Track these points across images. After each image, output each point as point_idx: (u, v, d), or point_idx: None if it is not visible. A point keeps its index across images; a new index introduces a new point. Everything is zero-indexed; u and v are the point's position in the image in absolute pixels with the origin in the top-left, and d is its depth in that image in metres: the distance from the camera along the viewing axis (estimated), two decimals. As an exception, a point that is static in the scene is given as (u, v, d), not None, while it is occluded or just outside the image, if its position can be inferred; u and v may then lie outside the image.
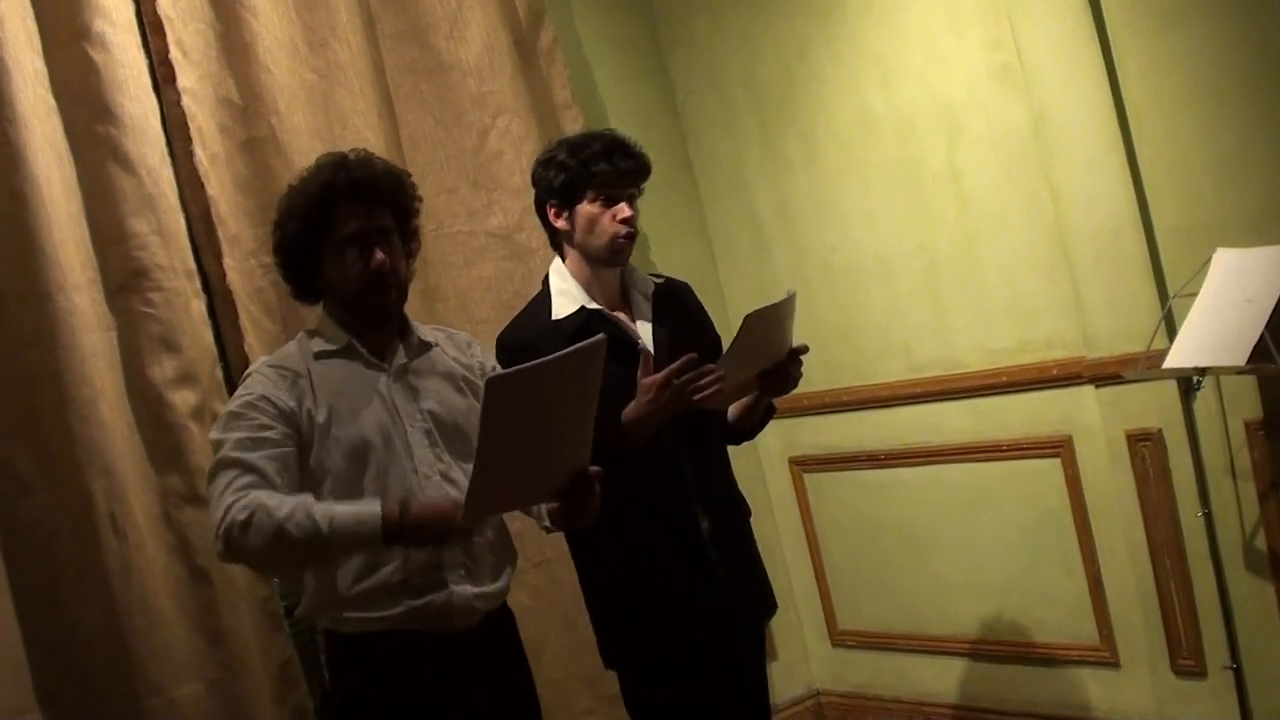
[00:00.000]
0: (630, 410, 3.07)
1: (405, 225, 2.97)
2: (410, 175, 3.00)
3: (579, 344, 2.53)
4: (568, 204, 3.26)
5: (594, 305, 3.25)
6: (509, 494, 2.68)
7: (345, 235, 2.83)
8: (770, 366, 3.19)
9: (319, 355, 2.89)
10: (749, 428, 3.43)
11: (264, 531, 2.58)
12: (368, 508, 2.60)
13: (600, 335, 2.56)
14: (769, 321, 3.08)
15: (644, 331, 3.31)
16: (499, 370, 3.08)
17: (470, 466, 2.90)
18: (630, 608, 3.29)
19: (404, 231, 2.96)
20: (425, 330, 3.06)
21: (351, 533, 2.58)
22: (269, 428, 2.74)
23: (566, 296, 3.28)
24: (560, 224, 3.29)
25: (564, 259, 3.34)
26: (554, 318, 3.26)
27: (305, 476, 2.78)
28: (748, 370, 3.15)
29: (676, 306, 3.44)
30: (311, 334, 2.96)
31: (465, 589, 2.85)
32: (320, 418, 2.80)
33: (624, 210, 3.24)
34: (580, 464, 2.66)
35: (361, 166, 2.86)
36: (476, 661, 2.90)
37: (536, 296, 3.38)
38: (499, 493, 2.59)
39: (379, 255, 2.84)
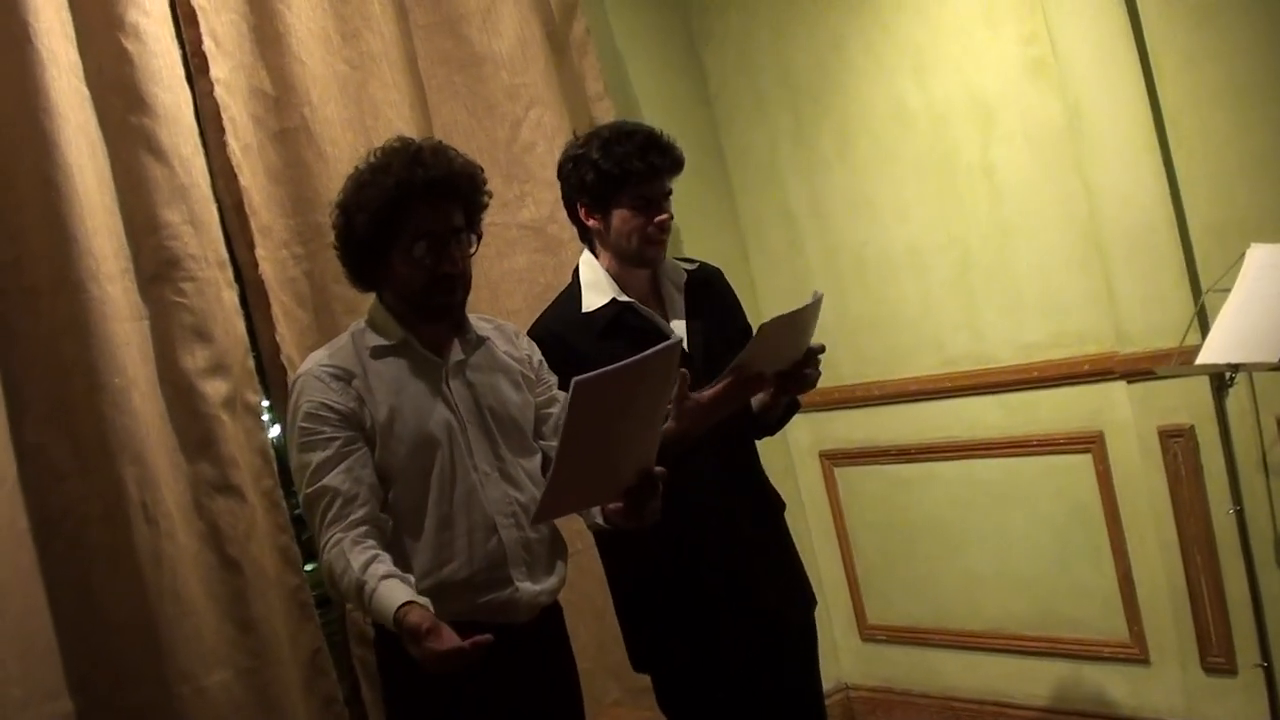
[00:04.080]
0: (671, 428, 2.95)
1: (474, 220, 2.93)
2: (482, 169, 2.94)
3: (658, 346, 2.50)
4: (601, 204, 3.20)
5: (625, 298, 3.21)
6: (581, 494, 2.67)
7: (418, 233, 2.79)
8: (788, 368, 3.08)
9: (374, 352, 2.86)
10: (772, 421, 3.33)
11: (336, 589, 2.69)
12: (390, 601, 2.56)
13: (678, 336, 2.54)
14: (787, 328, 2.99)
15: (677, 323, 3.27)
16: (544, 362, 3.10)
17: (526, 461, 2.92)
18: (666, 610, 3.26)
19: (471, 225, 2.92)
20: (477, 323, 3.03)
21: (385, 623, 2.58)
22: (335, 438, 2.75)
23: (597, 289, 3.23)
24: (592, 223, 3.23)
25: (594, 253, 3.29)
26: (584, 310, 3.22)
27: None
28: (765, 369, 3.07)
29: (709, 296, 3.39)
30: (365, 328, 2.93)
31: (529, 585, 2.87)
32: (381, 417, 2.79)
33: (661, 213, 3.19)
34: (647, 463, 2.64)
35: (438, 164, 2.80)
36: (530, 653, 2.91)
37: (566, 290, 3.33)
38: (572, 493, 2.59)
39: (451, 258, 2.82)
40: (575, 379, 2.35)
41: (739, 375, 2.96)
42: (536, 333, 3.26)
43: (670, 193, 3.25)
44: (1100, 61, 3.82)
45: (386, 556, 2.66)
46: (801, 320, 3.03)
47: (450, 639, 2.44)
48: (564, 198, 3.30)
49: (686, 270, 3.37)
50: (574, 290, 3.29)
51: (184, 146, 3.55)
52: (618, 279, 3.24)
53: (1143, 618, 4.18)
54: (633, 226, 3.18)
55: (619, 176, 3.14)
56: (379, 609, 2.56)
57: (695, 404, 2.97)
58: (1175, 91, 3.74)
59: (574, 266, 3.35)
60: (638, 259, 3.23)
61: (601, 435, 2.49)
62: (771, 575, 3.32)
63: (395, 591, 2.56)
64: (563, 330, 3.21)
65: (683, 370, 2.92)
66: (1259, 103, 3.60)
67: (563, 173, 3.28)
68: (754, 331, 3.03)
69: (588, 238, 3.31)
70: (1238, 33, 3.60)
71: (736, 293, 3.52)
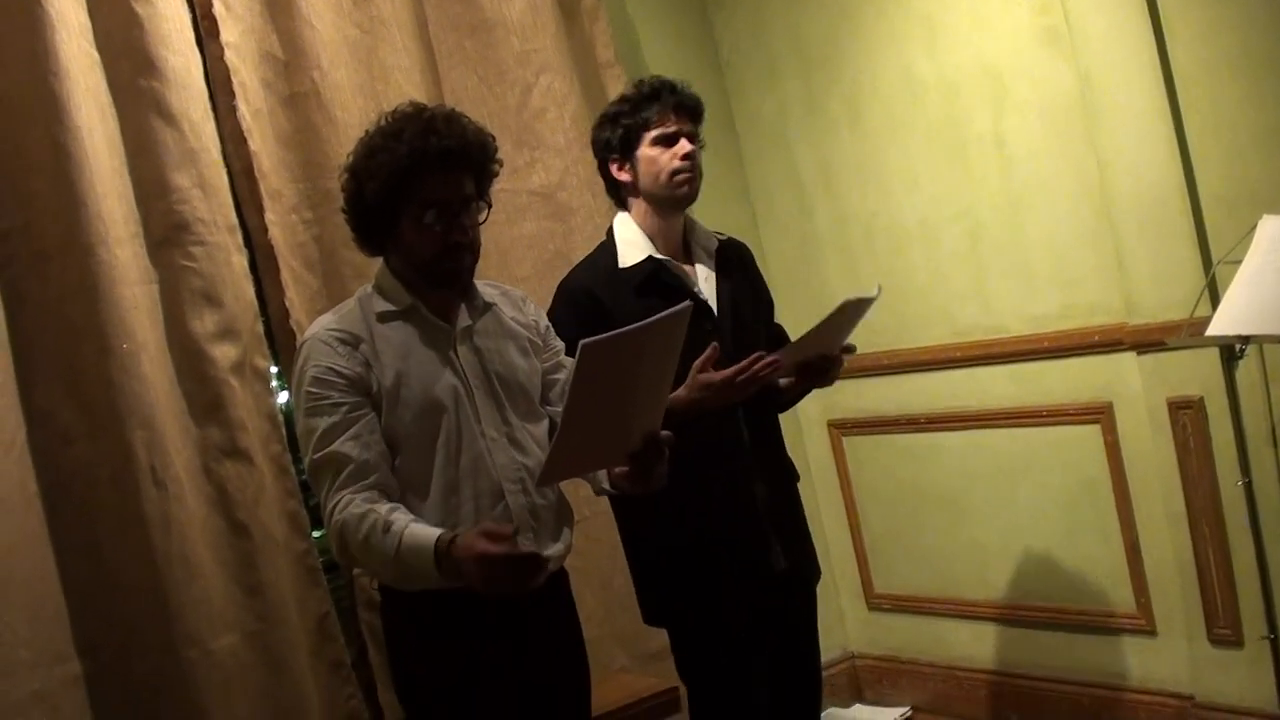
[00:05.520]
0: (681, 395, 3.05)
1: (485, 188, 2.93)
2: (494, 137, 2.94)
3: (667, 311, 2.50)
4: (627, 154, 3.32)
5: (660, 255, 3.29)
6: (587, 457, 2.68)
7: (429, 200, 2.78)
8: (814, 359, 3.21)
9: (382, 317, 2.86)
10: (789, 399, 3.47)
11: (355, 550, 2.65)
12: (425, 537, 2.55)
13: (687, 302, 2.54)
14: (852, 314, 3.14)
15: (707, 284, 3.35)
16: (550, 328, 3.10)
17: (534, 427, 2.92)
18: (682, 568, 3.32)
19: (481, 193, 2.91)
20: (484, 289, 3.03)
21: (415, 563, 2.55)
22: (342, 404, 2.74)
23: (632, 245, 3.32)
24: (623, 176, 3.34)
25: (629, 211, 3.38)
26: (620, 265, 3.29)
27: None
28: (805, 355, 3.18)
29: (738, 265, 3.49)
30: (372, 293, 2.92)
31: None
32: (388, 382, 2.78)
33: (684, 147, 3.29)
34: (653, 427, 2.65)
35: (452, 133, 2.79)
36: (537, 618, 2.92)
37: (601, 245, 3.42)
38: (578, 455, 2.58)
39: (461, 226, 2.82)
40: (581, 341, 2.37)
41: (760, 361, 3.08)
42: (570, 287, 3.34)
43: (694, 135, 3.36)
44: (1113, 32, 3.79)
45: (405, 509, 2.68)
46: (861, 310, 3.18)
47: (504, 544, 2.44)
48: (599, 166, 3.43)
49: (718, 239, 3.47)
50: (609, 246, 3.37)
51: (194, 110, 3.55)
52: (652, 235, 3.34)
53: (1150, 589, 4.18)
54: (659, 165, 3.29)
55: (640, 124, 3.29)
56: (411, 543, 2.55)
57: (709, 380, 3.05)
58: (1188, 62, 3.72)
59: (582, 233, 3.38)
60: (669, 195, 3.32)
61: (607, 398, 2.49)
62: (785, 542, 3.38)
63: (428, 529, 2.57)
64: (596, 286, 3.28)
65: (713, 344, 3.06)
66: (1272, 73, 3.58)
67: (595, 145, 3.42)
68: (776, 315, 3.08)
69: (620, 196, 3.41)
70: (1251, 3, 3.58)
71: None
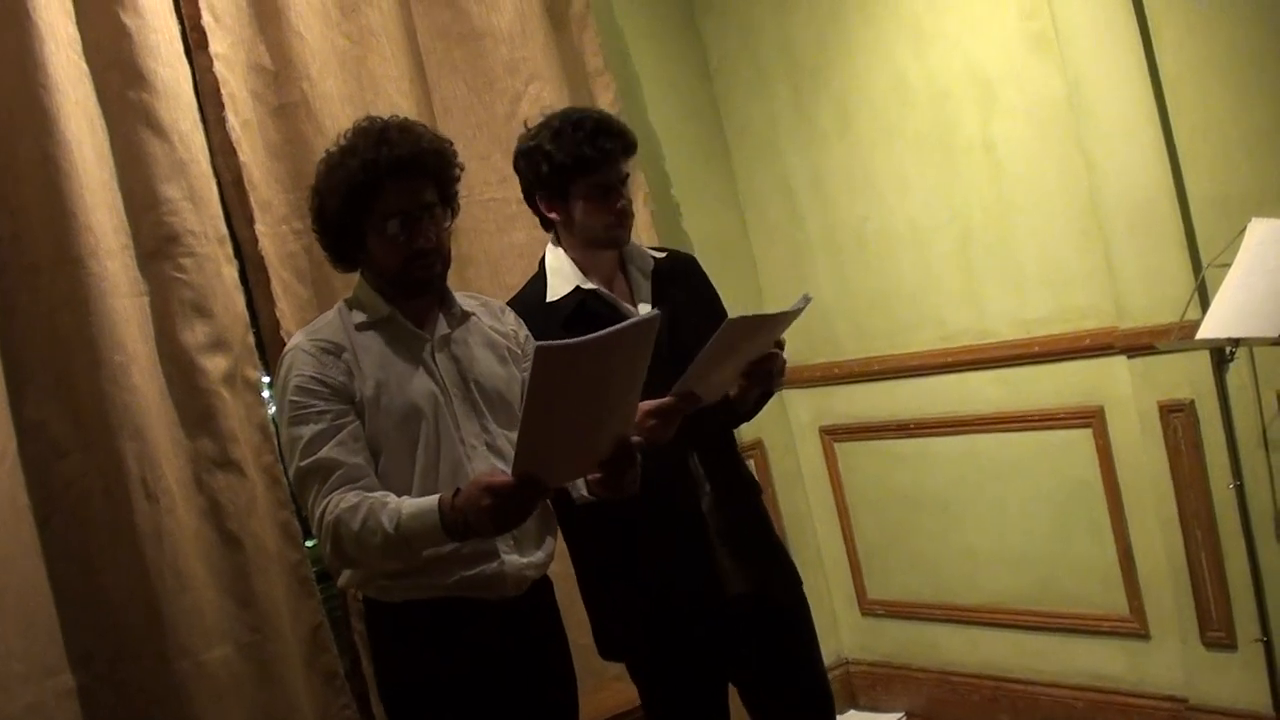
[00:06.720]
0: None
1: (447, 194, 2.93)
2: (452, 143, 2.94)
3: (631, 320, 2.47)
4: (559, 195, 3.16)
5: (589, 285, 3.17)
6: (556, 467, 2.62)
7: (389, 211, 2.78)
8: (747, 369, 3.05)
9: (360, 327, 2.87)
10: (744, 411, 3.30)
11: (350, 544, 2.65)
12: (427, 500, 2.59)
13: (656, 311, 2.50)
14: (757, 329, 2.98)
15: (643, 312, 3.19)
16: (530, 338, 3.07)
17: (514, 434, 2.88)
18: (630, 598, 3.24)
19: (445, 199, 2.91)
20: (463, 299, 3.02)
21: (419, 529, 2.57)
22: (327, 411, 2.74)
23: (561, 277, 3.20)
24: (553, 215, 3.20)
25: (558, 241, 3.26)
26: (548, 299, 3.19)
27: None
28: (730, 368, 3.03)
29: (679, 284, 3.34)
30: (350, 304, 2.93)
31: (515, 558, 2.86)
32: (368, 391, 2.79)
33: (617, 200, 3.14)
34: (624, 434, 2.63)
35: (405, 141, 2.80)
36: (521, 628, 2.91)
37: (532, 278, 3.30)
38: (546, 466, 2.55)
39: (425, 233, 2.81)
40: (537, 344, 2.34)
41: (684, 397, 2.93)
42: None
43: (627, 176, 3.20)
44: (1101, 35, 3.80)
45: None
46: (774, 323, 3.01)
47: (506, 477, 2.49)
48: (523, 191, 3.27)
49: (655, 258, 3.33)
50: (539, 279, 3.26)
51: (183, 122, 3.56)
52: (582, 266, 3.21)
53: (1142, 592, 4.18)
54: (592, 218, 3.15)
55: (572, 166, 3.10)
56: (413, 509, 2.58)
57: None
58: (1176, 65, 3.73)
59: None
60: (605, 242, 3.19)
61: (571, 406, 2.44)
62: (744, 562, 3.26)
63: (427, 497, 2.61)
64: (526, 318, 3.16)
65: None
66: (1260, 76, 3.58)
67: (518, 167, 3.24)
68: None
69: (551, 228, 3.28)
70: (1239, 6, 3.58)
71: (736, 272, 3.49)
